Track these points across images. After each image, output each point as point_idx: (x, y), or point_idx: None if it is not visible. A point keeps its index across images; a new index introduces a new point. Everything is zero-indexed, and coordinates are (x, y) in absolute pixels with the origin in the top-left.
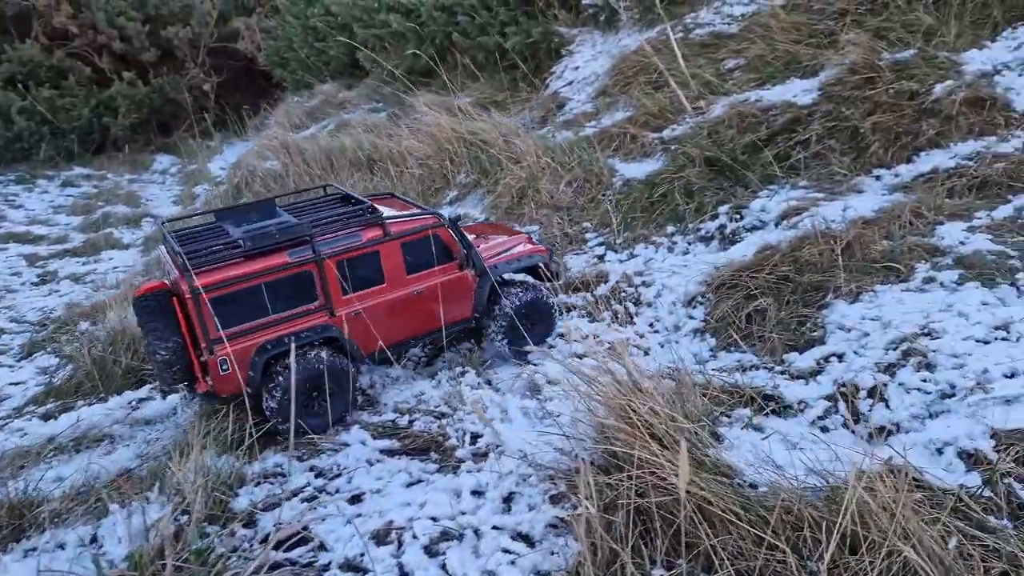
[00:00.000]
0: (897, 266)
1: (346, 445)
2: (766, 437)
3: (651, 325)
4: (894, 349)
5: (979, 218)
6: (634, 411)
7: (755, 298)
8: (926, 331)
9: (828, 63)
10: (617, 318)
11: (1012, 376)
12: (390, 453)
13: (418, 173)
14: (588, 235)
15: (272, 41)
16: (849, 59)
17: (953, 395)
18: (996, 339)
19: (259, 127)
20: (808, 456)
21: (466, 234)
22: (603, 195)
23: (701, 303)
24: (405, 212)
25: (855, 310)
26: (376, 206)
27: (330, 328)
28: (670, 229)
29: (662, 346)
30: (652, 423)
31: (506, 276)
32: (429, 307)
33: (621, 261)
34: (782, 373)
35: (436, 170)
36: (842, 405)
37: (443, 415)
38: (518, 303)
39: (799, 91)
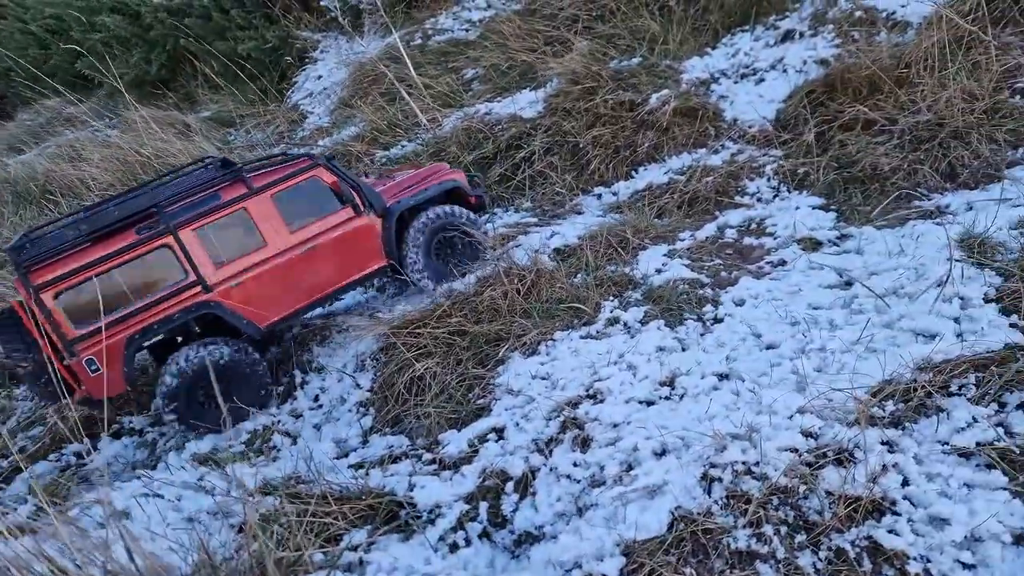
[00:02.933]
0: (582, 307)
1: None
2: None
3: (316, 398)
4: (556, 418)
5: (682, 239)
6: None
7: (422, 358)
8: (591, 392)
9: (555, 73)
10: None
11: (661, 455)
12: None
13: None
14: None
15: None
16: (572, 68)
17: (604, 482)
18: (660, 398)
19: None
20: None
21: (348, 172)
22: None
23: (373, 366)
24: (270, 162)
25: (529, 366)
26: (229, 160)
27: (208, 305)
28: None
29: (318, 428)
30: None
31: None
32: (331, 262)
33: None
34: (432, 462)
35: None
36: (484, 506)
37: None
38: (423, 233)
39: (526, 104)
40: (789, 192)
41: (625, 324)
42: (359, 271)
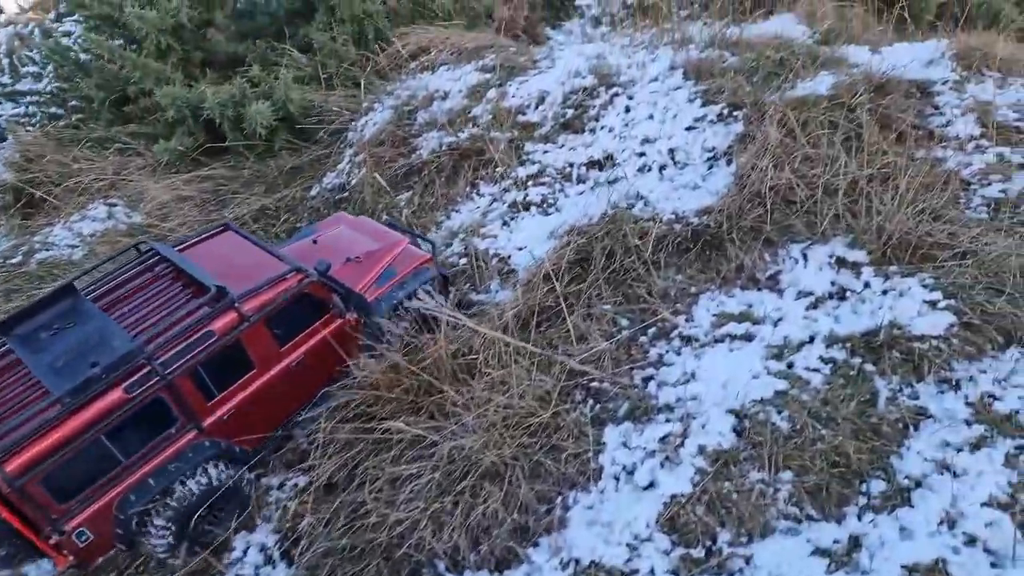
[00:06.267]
0: None
1: None
2: None
3: None
4: None
5: None
6: None
7: None
8: None
9: None
10: None
11: None
12: None
13: None
14: None
15: None
16: None
17: None
18: None
19: None
20: None
21: (337, 281)
22: None
23: None
24: (260, 281)
25: None
26: (223, 287)
27: (203, 447)
28: None
29: None
30: None
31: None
32: (315, 369)
33: None
34: None
35: None
36: None
37: None
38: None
39: None
40: (273, 569)
41: None
42: (343, 364)
